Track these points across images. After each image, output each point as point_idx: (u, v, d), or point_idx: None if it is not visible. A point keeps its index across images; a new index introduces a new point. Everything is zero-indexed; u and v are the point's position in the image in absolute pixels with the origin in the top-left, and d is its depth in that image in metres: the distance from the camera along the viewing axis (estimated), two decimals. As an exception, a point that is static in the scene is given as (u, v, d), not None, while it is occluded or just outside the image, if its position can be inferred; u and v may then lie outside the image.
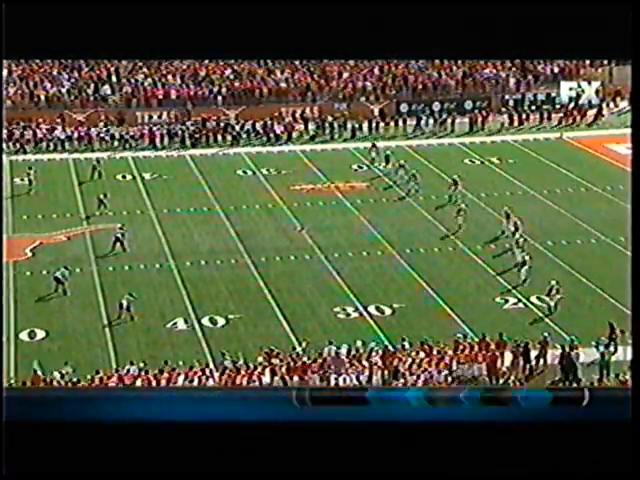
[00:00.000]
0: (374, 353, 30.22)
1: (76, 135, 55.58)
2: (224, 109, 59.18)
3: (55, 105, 58.78)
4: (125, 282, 36.79)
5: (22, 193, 47.20)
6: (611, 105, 61.42)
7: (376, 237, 41.26)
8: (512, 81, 63.24)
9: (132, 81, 60.93)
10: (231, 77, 61.60)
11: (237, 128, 57.00)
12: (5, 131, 53.86)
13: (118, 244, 39.85)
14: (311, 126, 58.09)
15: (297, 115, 59.24)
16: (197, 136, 56.16)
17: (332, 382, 29.06)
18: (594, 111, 59.97)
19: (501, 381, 29.60)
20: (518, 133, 58.22)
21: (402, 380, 28.98)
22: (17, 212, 44.61)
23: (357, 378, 29.35)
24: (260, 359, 30.00)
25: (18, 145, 54.51)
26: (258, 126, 57.13)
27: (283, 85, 61.36)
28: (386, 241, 40.76)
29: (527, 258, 36.71)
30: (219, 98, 60.09)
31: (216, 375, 29.21)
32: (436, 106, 60.56)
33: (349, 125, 57.81)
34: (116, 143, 55.46)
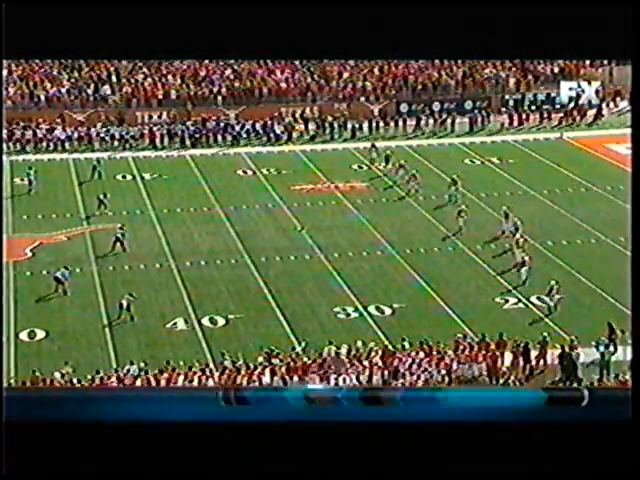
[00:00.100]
0: (374, 353, 30.23)
1: (76, 135, 55.58)
2: (224, 109, 59.18)
3: (55, 105, 58.78)
4: (125, 282, 36.80)
5: (22, 193, 47.20)
6: (611, 105, 61.43)
7: (376, 237, 41.28)
8: (512, 81, 63.24)
9: (132, 81, 60.94)
10: (231, 77, 61.60)
11: (237, 128, 57.00)
12: (5, 131, 53.85)
13: (118, 244, 39.85)
14: (311, 126, 58.09)
15: (297, 115, 59.24)
16: (197, 136, 56.16)
17: (332, 382, 29.08)
18: (594, 111, 59.99)
19: (501, 381, 29.63)
20: (518, 133, 58.22)
21: (402, 380, 29.00)
22: (17, 212, 44.61)
23: (357, 378, 29.35)
24: (260, 359, 30.01)
25: (18, 145, 54.53)
26: (258, 126, 57.13)
27: (283, 85, 61.36)
28: (386, 241, 40.77)
29: (527, 258, 36.72)
30: (219, 98, 60.09)
31: (216, 375, 29.23)
32: (436, 106, 60.55)
33: (349, 125, 57.81)
34: (116, 143, 55.46)
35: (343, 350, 30.20)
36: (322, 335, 32.04)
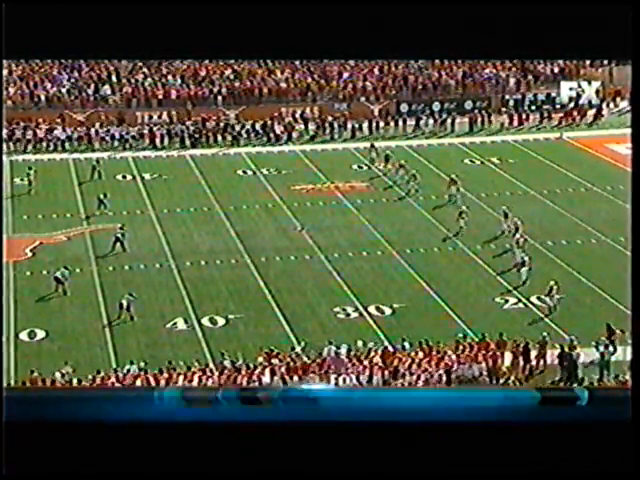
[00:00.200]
0: (374, 353, 30.25)
1: (76, 135, 55.60)
2: (224, 109, 59.19)
3: (55, 105, 58.80)
4: (125, 282, 36.81)
5: (22, 193, 47.21)
6: (611, 105, 61.45)
7: (376, 237, 41.28)
8: (512, 81, 63.26)
9: (132, 81, 60.94)
10: (231, 77, 61.60)
11: (237, 128, 57.01)
12: (5, 131, 53.87)
13: (118, 244, 39.87)
14: (311, 126, 58.10)
15: (297, 115, 59.25)
16: (197, 136, 56.17)
17: (332, 382, 29.08)
18: (594, 111, 60.00)
19: (501, 381, 29.63)
20: (518, 133, 58.24)
21: (402, 380, 29.01)
22: (17, 212, 44.62)
23: (357, 378, 29.36)
24: (260, 359, 30.02)
25: (18, 145, 54.54)
26: (258, 126, 57.14)
27: (283, 85, 61.36)
28: (386, 241, 40.77)
29: (527, 258, 36.72)
30: (219, 98, 60.10)
31: (216, 375, 29.24)
32: (436, 106, 60.58)
33: (349, 125, 57.83)
34: (116, 143, 55.48)
35: (343, 350, 30.21)
36: (322, 335, 32.05)
